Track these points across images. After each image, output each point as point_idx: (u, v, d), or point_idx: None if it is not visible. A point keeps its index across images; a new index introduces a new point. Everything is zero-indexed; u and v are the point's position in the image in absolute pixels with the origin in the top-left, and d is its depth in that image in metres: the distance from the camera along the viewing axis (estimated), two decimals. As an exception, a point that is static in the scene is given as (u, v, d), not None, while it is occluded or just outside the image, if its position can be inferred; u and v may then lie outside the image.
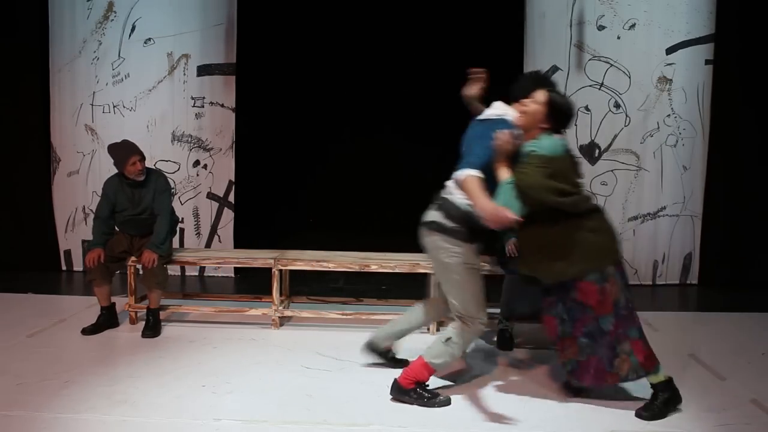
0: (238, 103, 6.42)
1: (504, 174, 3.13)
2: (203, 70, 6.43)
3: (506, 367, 3.97)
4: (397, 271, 4.67)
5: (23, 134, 6.51)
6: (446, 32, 6.35)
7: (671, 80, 6.25)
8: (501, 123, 3.22)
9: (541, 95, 3.21)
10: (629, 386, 3.65)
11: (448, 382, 3.70)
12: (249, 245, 5.53)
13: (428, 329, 4.62)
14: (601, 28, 6.23)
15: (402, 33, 6.35)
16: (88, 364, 3.88)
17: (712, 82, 6.23)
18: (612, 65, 6.25)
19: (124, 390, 3.48)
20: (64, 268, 6.66)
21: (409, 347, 4.32)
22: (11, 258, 6.48)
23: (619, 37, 6.23)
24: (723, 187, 6.24)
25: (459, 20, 6.33)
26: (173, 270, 6.19)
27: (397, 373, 3.47)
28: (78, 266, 6.58)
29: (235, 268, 6.41)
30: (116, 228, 4.62)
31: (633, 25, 6.22)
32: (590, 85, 6.27)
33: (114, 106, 6.49)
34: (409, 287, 5.34)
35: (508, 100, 3.36)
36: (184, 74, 6.44)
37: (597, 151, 6.32)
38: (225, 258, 5.01)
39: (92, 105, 6.50)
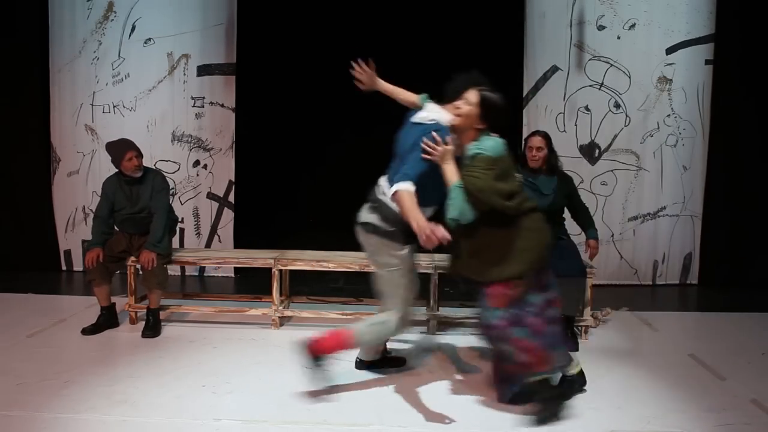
0: (238, 103, 6.42)
1: (453, 177, 3.09)
2: (203, 70, 6.43)
3: (506, 367, 3.97)
4: (397, 271, 4.66)
5: (23, 134, 6.52)
6: (446, 32, 6.34)
7: (671, 80, 6.25)
8: (435, 128, 3.18)
9: (472, 95, 3.16)
10: (628, 388, 3.65)
11: (447, 383, 3.70)
12: (249, 245, 5.53)
13: (427, 329, 4.62)
14: (601, 28, 6.24)
15: (402, 33, 6.34)
16: (88, 364, 3.88)
17: (712, 82, 6.24)
18: (612, 65, 6.25)
19: (124, 390, 3.48)
20: (64, 268, 6.66)
21: (411, 350, 4.33)
22: (11, 258, 6.48)
23: (619, 37, 6.23)
24: (723, 187, 6.25)
25: (459, 20, 6.33)
26: (173, 270, 6.19)
27: (395, 373, 3.47)
28: (78, 266, 6.58)
29: (235, 268, 6.41)
30: (115, 227, 4.62)
31: (633, 25, 6.22)
32: (590, 85, 6.27)
33: (114, 106, 6.50)
34: (409, 287, 5.34)
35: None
36: (184, 74, 6.44)
37: (597, 151, 6.33)
38: (225, 258, 5.01)
39: (92, 105, 6.51)
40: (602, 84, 6.27)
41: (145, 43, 6.43)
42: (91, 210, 6.30)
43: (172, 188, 6.33)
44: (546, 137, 4.48)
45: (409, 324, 3.45)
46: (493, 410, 3.32)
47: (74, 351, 4.13)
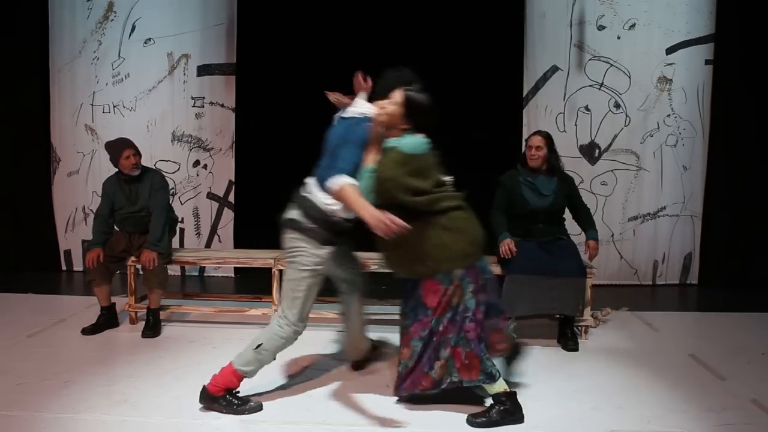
0: (238, 103, 6.42)
1: (369, 161, 3.09)
2: (203, 70, 6.43)
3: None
4: (397, 271, 4.66)
5: (23, 134, 6.52)
6: (446, 32, 6.34)
7: (671, 80, 6.25)
8: (363, 121, 3.19)
9: (398, 95, 3.15)
10: (628, 388, 3.65)
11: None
12: (249, 245, 5.53)
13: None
14: (601, 28, 6.23)
15: (402, 33, 6.34)
16: (88, 364, 3.88)
17: (712, 82, 6.23)
18: (612, 65, 6.25)
19: (124, 390, 3.48)
20: (64, 268, 6.67)
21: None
22: (11, 258, 6.48)
23: (619, 37, 6.23)
24: (723, 187, 6.24)
25: (459, 20, 6.33)
26: (173, 270, 6.19)
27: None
28: (78, 266, 6.58)
29: (235, 268, 6.41)
30: (115, 227, 4.62)
31: (633, 25, 6.22)
32: (590, 85, 6.27)
33: (114, 106, 6.50)
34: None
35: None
36: (184, 74, 6.44)
37: (597, 151, 6.32)
38: (225, 258, 5.01)
39: (92, 105, 6.51)
40: (602, 84, 6.27)
41: (145, 43, 6.43)
42: (91, 210, 6.30)
43: (172, 188, 6.33)
44: (546, 137, 4.48)
45: (292, 338, 3.30)
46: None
47: (74, 351, 4.13)
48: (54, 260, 6.63)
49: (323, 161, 3.32)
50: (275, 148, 6.55)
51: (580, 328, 4.48)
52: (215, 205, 6.54)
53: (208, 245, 6.53)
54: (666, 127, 6.30)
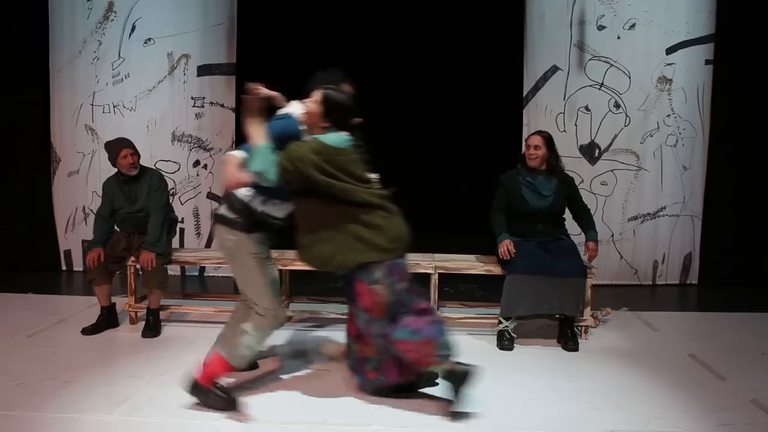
0: (238, 103, 6.40)
1: (257, 134, 3.11)
2: (203, 70, 6.43)
3: (506, 367, 3.97)
4: (397, 271, 4.66)
5: (23, 134, 6.52)
6: (446, 32, 6.35)
7: (671, 80, 6.25)
8: (284, 118, 3.30)
9: (318, 94, 3.21)
10: (628, 388, 3.65)
11: (447, 383, 3.69)
12: (249, 245, 5.52)
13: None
14: (601, 28, 6.23)
15: (402, 33, 6.35)
16: (88, 364, 3.88)
17: (712, 82, 6.23)
18: (612, 65, 6.24)
19: (124, 390, 3.48)
20: (64, 268, 6.67)
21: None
22: (11, 258, 6.49)
23: (619, 37, 6.23)
24: (723, 187, 6.25)
25: (459, 20, 6.33)
26: (173, 270, 6.19)
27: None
28: (78, 266, 6.58)
29: (235, 268, 6.40)
30: (115, 227, 4.63)
31: (633, 25, 6.22)
32: (590, 85, 6.27)
33: (114, 106, 6.50)
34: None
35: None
36: (184, 74, 6.44)
37: (597, 151, 6.32)
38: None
39: (92, 105, 6.51)
40: (602, 84, 6.27)
41: (145, 43, 6.43)
42: (92, 210, 6.31)
43: (173, 188, 6.33)
44: (545, 137, 4.49)
45: (281, 318, 3.39)
46: (494, 410, 3.32)
47: (74, 351, 4.13)
48: (54, 260, 6.63)
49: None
50: (275, 148, 6.56)
51: (580, 328, 4.48)
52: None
53: (208, 245, 6.53)
54: (666, 127, 6.30)
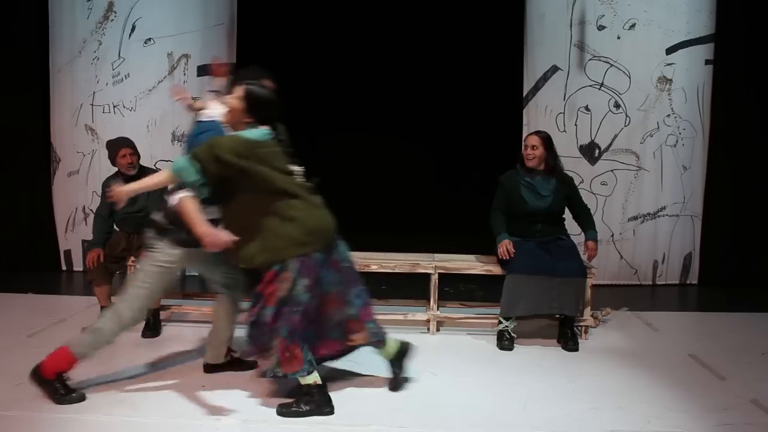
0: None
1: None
2: (203, 70, 6.43)
3: (506, 367, 3.97)
4: (397, 271, 4.67)
5: (23, 134, 6.52)
6: (446, 32, 6.36)
7: (671, 80, 6.25)
8: (211, 125, 3.34)
9: (239, 90, 3.22)
10: (628, 388, 3.65)
11: (447, 383, 3.70)
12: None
13: (428, 329, 4.62)
14: (601, 28, 6.23)
15: (402, 33, 6.36)
16: (88, 364, 3.86)
17: (712, 82, 6.23)
18: (612, 65, 6.24)
19: (124, 390, 3.48)
20: (64, 268, 6.66)
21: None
22: (11, 258, 6.48)
23: (619, 37, 6.23)
24: (723, 187, 6.25)
25: (459, 20, 6.34)
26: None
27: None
28: (78, 266, 6.58)
29: (235, 268, 6.40)
30: (115, 227, 4.63)
31: (633, 25, 6.22)
32: (590, 85, 6.27)
33: (114, 106, 6.50)
34: (409, 287, 5.34)
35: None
36: (185, 74, 6.44)
37: (597, 151, 6.32)
38: (225, 258, 5.00)
39: (92, 105, 6.50)
40: (602, 84, 6.27)
41: (145, 43, 6.43)
42: (91, 210, 6.30)
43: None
44: (542, 137, 4.49)
45: (127, 326, 3.39)
46: (494, 410, 3.32)
47: (74, 351, 4.12)
48: (54, 260, 6.63)
49: None
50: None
51: (580, 328, 4.48)
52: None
53: (208, 245, 6.52)
54: (666, 127, 6.30)
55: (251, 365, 3.75)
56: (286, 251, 3.13)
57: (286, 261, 3.13)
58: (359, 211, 6.56)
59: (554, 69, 6.26)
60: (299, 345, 3.18)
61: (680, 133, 6.30)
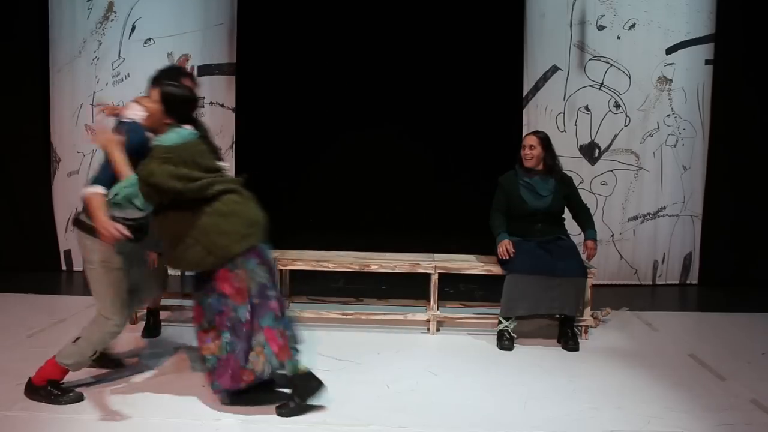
0: (238, 103, 6.41)
1: (122, 167, 3.17)
2: (203, 71, 6.43)
3: (506, 367, 3.97)
4: (397, 271, 4.67)
5: (23, 134, 6.51)
6: (446, 32, 6.35)
7: (671, 80, 6.25)
8: (132, 126, 3.33)
9: (155, 93, 3.24)
10: (628, 387, 3.65)
11: (447, 383, 3.70)
12: (249, 245, 5.52)
13: (428, 329, 4.62)
14: (601, 28, 6.23)
15: (402, 33, 6.35)
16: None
17: (712, 82, 6.23)
18: (612, 65, 6.24)
19: (124, 390, 3.48)
20: (64, 268, 6.66)
21: (410, 350, 4.34)
22: (11, 258, 6.48)
23: (619, 37, 6.23)
24: (723, 187, 6.24)
25: (459, 20, 6.33)
26: (173, 270, 6.17)
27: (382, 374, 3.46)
28: (78, 266, 6.57)
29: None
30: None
31: (633, 25, 6.22)
32: (590, 85, 6.27)
33: (114, 106, 6.49)
34: (409, 287, 5.35)
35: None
36: (184, 74, 6.43)
37: (597, 151, 6.32)
38: (225, 258, 5.00)
39: (92, 105, 6.50)
40: (602, 84, 6.27)
41: (145, 43, 6.43)
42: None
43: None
44: (540, 137, 4.50)
45: (121, 326, 3.40)
46: (494, 410, 3.32)
47: (74, 351, 4.12)
48: (54, 260, 6.62)
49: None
50: (275, 148, 6.56)
51: (580, 328, 4.48)
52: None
53: (208, 245, 6.52)
54: (666, 127, 6.30)
55: (120, 363, 3.74)
56: (233, 247, 3.15)
57: (235, 257, 3.14)
58: (359, 210, 6.57)
59: (554, 69, 6.26)
60: (287, 327, 3.19)
61: (680, 133, 6.30)
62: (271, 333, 3.17)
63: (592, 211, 4.80)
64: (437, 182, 6.56)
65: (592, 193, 6.26)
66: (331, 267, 4.72)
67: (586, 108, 6.29)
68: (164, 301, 4.68)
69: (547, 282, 4.22)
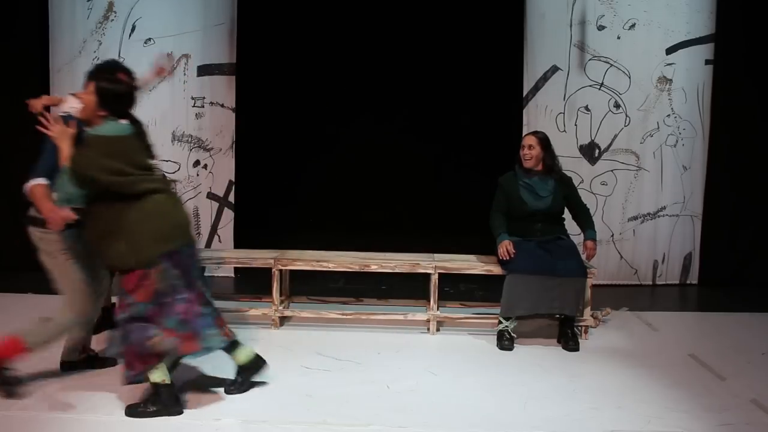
0: (238, 103, 6.42)
1: (65, 159, 3.21)
2: (203, 70, 6.43)
3: (506, 367, 3.97)
4: (397, 271, 4.67)
5: (23, 134, 6.50)
6: (446, 32, 6.35)
7: (671, 80, 6.25)
8: (66, 118, 3.39)
9: (91, 86, 3.30)
10: (628, 387, 3.65)
11: (447, 383, 3.70)
12: (249, 245, 5.53)
13: (428, 329, 4.62)
14: (601, 28, 6.23)
15: (402, 33, 6.35)
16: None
17: (712, 82, 6.23)
18: (612, 65, 6.25)
19: (123, 390, 3.47)
20: (64, 268, 6.65)
21: (411, 350, 4.34)
22: (11, 258, 6.48)
23: (619, 37, 6.23)
24: (723, 187, 6.24)
25: (459, 20, 6.33)
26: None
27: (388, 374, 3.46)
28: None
29: (235, 268, 6.41)
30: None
31: (633, 25, 6.22)
32: (590, 85, 6.27)
33: (114, 106, 6.49)
34: (409, 287, 5.35)
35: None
36: (185, 74, 6.44)
37: (597, 151, 6.32)
38: (225, 258, 5.01)
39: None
40: (602, 84, 6.27)
41: (146, 43, 6.43)
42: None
43: (172, 189, 6.32)
44: (539, 137, 4.50)
45: (87, 316, 3.47)
46: (494, 410, 3.32)
47: (74, 351, 4.12)
48: (54, 260, 6.61)
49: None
50: (275, 148, 6.56)
51: (580, 328, 4.48)
52: (215, 205, 6.54)
53: (208, 245, 6.53)
54: (666, 127, 6.30)
55: (113, 362, 3.71)
56: (154, 248, 3.14)
57: (155, 257, 3.14)
58: (359, 210, 6.57)
59: (554, 69, 6.26)
60: (196, 330, 3.18)
61: (680, 133, 6.30)
62: (172, 334, 3.14)
63: (592, 211, 4.80)
64: (437, 182, 6.56)
65: (592, 193, 6.26)
66: (331, 267, 4.72)
67: (586, 108, 6.29)
68: (164, 301, 4.67)
69: (547, 282, 4.22)
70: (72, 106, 3.48)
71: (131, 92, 3.35)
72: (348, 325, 4.71)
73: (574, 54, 6.25)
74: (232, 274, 6.52)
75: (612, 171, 6.33)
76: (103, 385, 3.53)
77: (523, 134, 6.05)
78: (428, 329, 4.62)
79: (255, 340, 4.39)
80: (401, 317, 4.69)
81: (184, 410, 3.23)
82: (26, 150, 6.50)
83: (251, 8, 6.35)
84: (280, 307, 4.71)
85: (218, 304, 5.03)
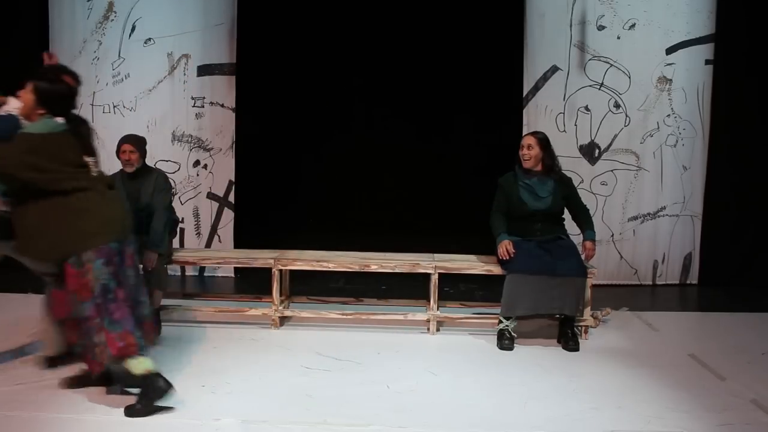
0: (238, 103, 6.42)
1: None
2: (203, 70, 6.43)
3: (507, 367, 3.97)
4: (397, 271, 4.67)
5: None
6: (446, 32, 6.35)
7: (671, 80, 6.25)
8: (8, 119, 3.44)
9: (29, 85, 3.35)
10: (628, 387, 3.65)
11: (447, 383, 3.70)
12: (249, 245, 5.53)
13: (428, 329, 4.62)
14: (601, 28, 6.23)
15: (402, 33, 6.35)
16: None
17: (712, 82, 6.23)
18: (612, 65, 6.25)
19: (123, 390, 3.47)
20: (64, 268, 6.65)
21: (411, 350, 4.34)
22: (11, 258, 6.46)
23: (619, 37, 6.23)
24: (723, 187, 6.24)
25: (459, 20, 6.33)
26: (173, 270, 6.19)
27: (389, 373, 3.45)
28: (78, 266, 6.57)
29: (235, 268, 6.41)
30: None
31: (633, 25, 6.22)
32: (590, 85, 6.27)
33: (114, 106, 6.50)
34: (409, 287, 5.35)
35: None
36: (185, 74, 6.44)
37: (597, 151, 6.32)
38: (225, 258, 5.01)
39: (92, 105, 6.50)
40: (602, 84, 6.27)
41: (145, 43, 6.43)
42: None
43: (173, 188, 6.32)
44: (538, 137, 4.50)
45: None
46: (494, 410, 3.32)
47: (74, 351, 4.12)
48: (54, 260, 6.62)
49: None
50: (275, 148, 6.56)
51: (580, 328, 4.48)
52: (215, 205, 6.54)
53: (208, 245, 6.53)
54: (666, 127, 6.30)
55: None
56: (80, 243, 3.15)
57: (80, 253, 3.14)
58: (359, 210, 6.57)
59: (554, 69, 6.26)
60: (128, 330, 3.16)
61: (680, 133, 6.30)
62: (109, 336, 3.14)
63: (592, 212, 4.80)
64: (437, 182, 6.56)
65: (592, 193, 6.26)
66: (331, 267, 4.72)
67: (586, 108, 6.29)
68: (164, 301, 4.68)
69: (547, 282, 4.22)
70: (15, 107, 3.54)
71: (72, 93, 3.40)
72: (348, 325, 4.71)
73: (574, 54, 6.25)
74: (232, 274, 6.52)
75: (612, 171, 6.33)
76: (102, 385, 3.53)
77: (523, 134, 6.09)
78: (428, 329, 4.62)
79: (255, 340, 4.40)
80: (401, 317, 4.70)
81: (184, 409, 3.23)
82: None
83: (251, 8, 6.35)
84: (280, 307, 4.71)
85: (218, 304, 5.08)
